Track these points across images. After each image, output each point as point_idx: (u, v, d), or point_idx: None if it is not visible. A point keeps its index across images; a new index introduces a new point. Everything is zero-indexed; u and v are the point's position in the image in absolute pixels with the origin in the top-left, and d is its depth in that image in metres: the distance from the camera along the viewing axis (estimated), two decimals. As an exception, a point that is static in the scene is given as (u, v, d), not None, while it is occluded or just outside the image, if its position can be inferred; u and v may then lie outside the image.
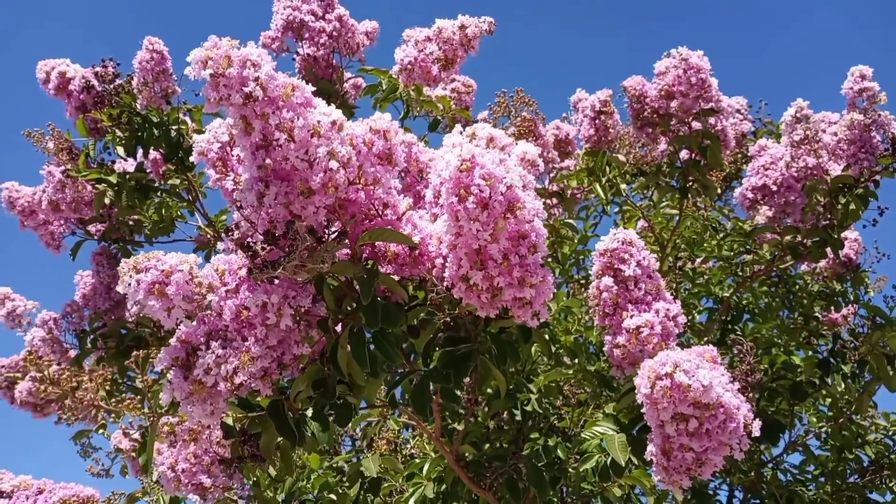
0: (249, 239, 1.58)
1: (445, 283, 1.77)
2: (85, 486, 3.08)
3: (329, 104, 1.58)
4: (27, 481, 2.92)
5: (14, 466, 3.15)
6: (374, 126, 1.63)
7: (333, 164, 1.51)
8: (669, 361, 1.81)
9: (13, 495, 2.90)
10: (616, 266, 2.24)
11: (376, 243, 1.80)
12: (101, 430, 4.06)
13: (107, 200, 3.68)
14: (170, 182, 3.89)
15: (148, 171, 3.76)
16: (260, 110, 1.45)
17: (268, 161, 1.52)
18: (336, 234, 1.69)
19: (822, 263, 4.25)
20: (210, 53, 1.43)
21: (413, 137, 1.95)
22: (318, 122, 1.50)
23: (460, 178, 1.50)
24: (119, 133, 3.56)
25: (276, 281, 1.69)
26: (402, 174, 2.04)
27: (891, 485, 4.01)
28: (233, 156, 1.73)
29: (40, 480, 2.97)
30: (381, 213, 1.77)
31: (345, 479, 3.00)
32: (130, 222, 4.03)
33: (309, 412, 1.97)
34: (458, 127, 1.79)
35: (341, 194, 1.58)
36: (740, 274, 4.49)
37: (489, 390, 2.88)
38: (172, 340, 1.69)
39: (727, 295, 4.43)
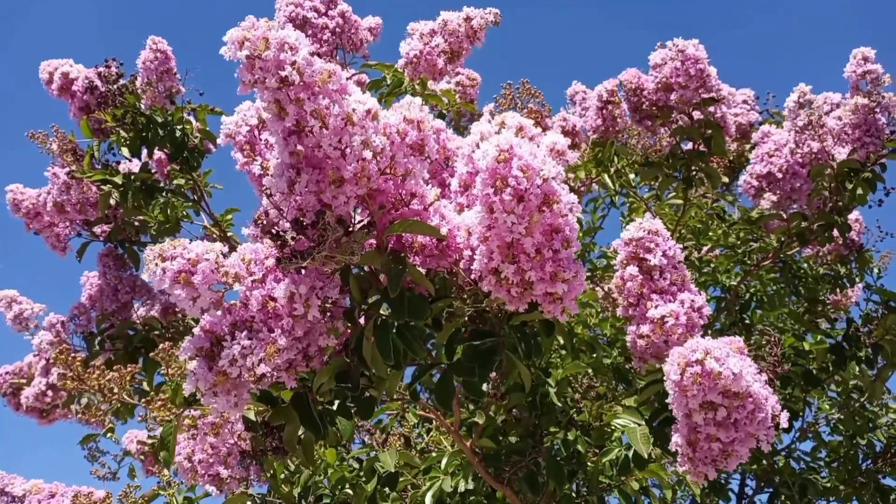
0: (277, 227, 1.56)
1: (473, 276, 1.75)
2: (95, 489, 3.06)
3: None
4: (39, 485, 2.89)
5: (19, 471, 3.13)
6: (408, 116, 1.60)
7: (367, 154, 1.49)
8: (700, 348, 1.80)
9: (25, 499, 2.88)
10: (641, 255, 2.22)
11: (403, 234, 1.78)
12: (108, 434, 4.04)
13: (112, 201, 3.65)
14: (175, 182, 3.86)
15: (153, 171, 3.73)
16: (295, 95, 1.42)
17: (300, 147, 1.49)
18: (364, 223, 1.67)
19: (826, 246, 4.26)
20: (247, 34, 1.40)
21: (442, 124, 1.92)
22: (353, 109, 1.47)
23: (497, 169, 1.47)
24: (123, 133, 3.53)
25: (304, 271, 1.67)
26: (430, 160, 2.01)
27: (903, 470, 4.01)
28: (261, 140, 1.70)
29: (52, 484, 2.94)
30: (408, 202, 1.74)
31: (361, 473, 2.98)
32: (136, 223, 4.00)
33: (334, 405, 1.95)
34: (487, 115, 1.77)
35: (373, 184, 1.55)
36: (747, 262, 4.49)
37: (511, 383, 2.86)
38: (196, 330, 1.66)
39: (735, 284, 4.42)
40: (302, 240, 1.55)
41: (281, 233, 1.51)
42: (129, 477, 4.26)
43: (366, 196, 1.61)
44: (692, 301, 2.19)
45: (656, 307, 2.16)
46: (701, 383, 1.77)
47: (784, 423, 1.91)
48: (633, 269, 2.20)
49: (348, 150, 1.47)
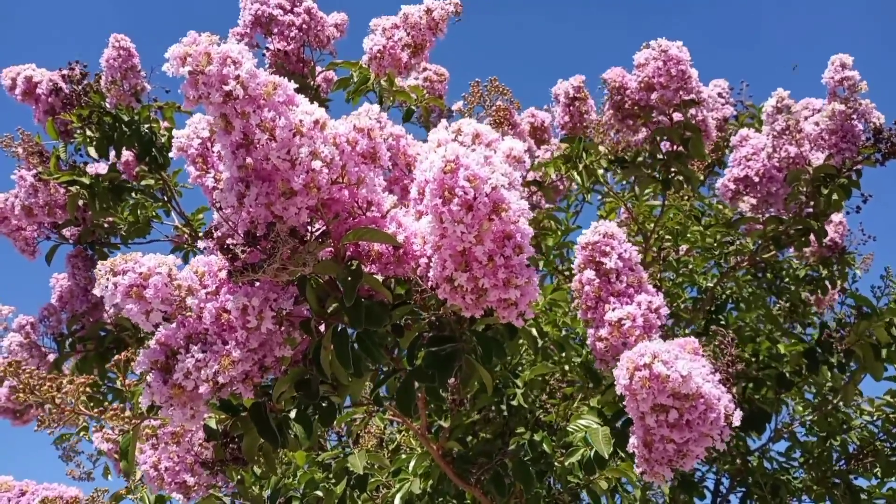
0: (230, 240, 1.56)
1: (430, 284, 1.76)
2: (67, 486, 3.03)
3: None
4: (9, 483, 2.86)
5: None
6: (357, 124, 1.61)
7: (316, 165, 1.49)
8: (648, 352, 1.82)
9: (-6, 496, 2.84)
10: (597, 259, 2.25)
11: (360, 242, 1.79)
12: (82, 433, 4.02)
13: (80, 202, 3.63)
14: (144, 182, 3.84)
15: (121, 171, 3.71)
16: (240, 109, 1.42)
17: (248, 160, 1.49)
18: (319, 233, 1.67)
19: (808, 248, 4.29)
20: (189, 50, 1.40)
21: (401, 130, 1.93)
22: (301, 121, 1.47)
23: (444, 180, 1.48)
24: (90, 133, 3.50)
25: (258, 283, 1.67)
26: (390, 167, 2.02)
27: (875, 471, 4.08)
28: (213, 152, 1.70)
29: (22, 482, 2.91)
30: (364, 211, 1.75)
31: (331, 475, 2.99)
32: (105, 224, 3.97)
33: (292, 413, 1.95)
34: (444, 122, 1.77)
35: (324, 195, 1.55)
36: (723, 264, 4.52)
37: (476, 384, 2.87)
38: (151, 343, 1.66)
39: (711, 285, 4.46)
40: (254, 252, 1.55)
41: (231, 246, 1.51)
42: (103, 477, 4.26)
43: (319, 206, 1.61)
44: (649, 302, 2.22)
45: (613, 310, 2.19)
46: (650, 387, 1.79)
47: (737, 422, 1.93)
48: (590, 273, 2.23)
49: (297, 161, 1.48)
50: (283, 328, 1.71)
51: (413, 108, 3.58)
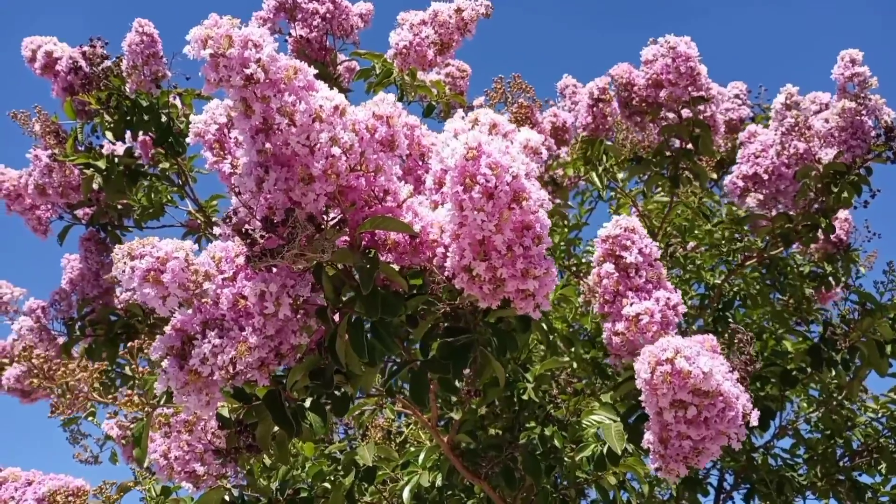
0: (247, 226, 1.54)
1: (446, 273, 1.74)
2: (74, 477, 3.04)
3: (323, 87, 1.52)
4: (16, 473, 2.87)
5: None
6: (377, 111, 1.59)
7: (335, 151, 1.47)
8: (671, 347, 1.79)
9: (2, 486, 2.86)
10: (617, 253, 2.22)
11: (376, 231, 1.77)
12: (90, 418, 4.03)
13: (95, 185, 3.61)
14: (159, 166, 3.83)
15: (137, 154, 3.70)
16: (261, 93, 1.41)
17: (268, 146, 1.48)
18: (336, 221, 1.66)
19: (813, 244, 4.25)
20: (210, 32, 1.38)
21: (416, 120, 1.91)
22: (321, 106, 1.45)
23: (466, 167, 1.46)
24: (107, 117, 3.49)
25: (275, 269, 1.65)
26: (404, 157, 2.00)
27: (879, 467, 4.06)
28: (230, 138, 1.69)
29: (29, 472, 2.92)
30: (381, 200, 1.73)
31: (339, 467, 2.98)
32: (119, 207, 3.97)
33: (307, 402, 1.94)
34: (460, 112, 1.75)
35: (342, 181, 1.54)
36: (731, 260, 4.49)
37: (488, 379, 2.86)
38: (167, 329, 1.65)
39: (719, 282, 4.43)
40: (272, 238, 1.53)
41: (250, 231, 1.50)
42: (111, 462, 4.28)
43: (337, 193, 1.59)
44: (667, 299, 2.19)
45: (631, 305, 2.16)
46: (671, 382, 1.77)
47: (754, 422, 1.91)
48: (609, 267, 2.20)
49: (316, 147, 1.46)
50: (299, 316, 1.70)
51: (434, 103, 3.56)
